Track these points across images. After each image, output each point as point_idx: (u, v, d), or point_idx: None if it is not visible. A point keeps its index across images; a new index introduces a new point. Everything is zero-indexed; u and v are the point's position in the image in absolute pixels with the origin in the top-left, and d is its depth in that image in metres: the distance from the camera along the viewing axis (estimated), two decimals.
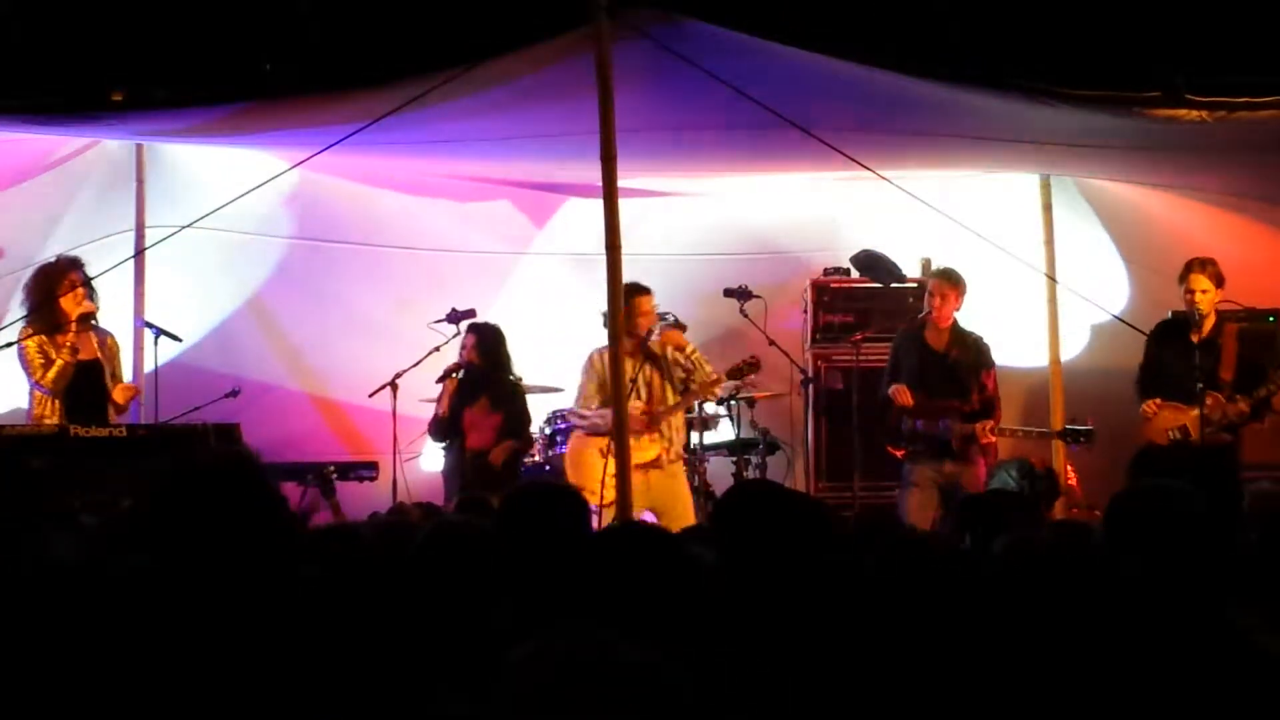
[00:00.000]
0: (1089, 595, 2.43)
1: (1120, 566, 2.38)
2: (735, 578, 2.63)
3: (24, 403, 8.19)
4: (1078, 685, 2.31)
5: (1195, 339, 8.34)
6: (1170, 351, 8.33)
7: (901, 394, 8.68)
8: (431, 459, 9.83)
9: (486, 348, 9.21)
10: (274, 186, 7.85)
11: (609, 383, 8.57)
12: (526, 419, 9.40)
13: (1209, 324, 8.37)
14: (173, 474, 2.54)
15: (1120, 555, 3.18)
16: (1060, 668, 2.39)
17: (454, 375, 9.22)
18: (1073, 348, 10.02)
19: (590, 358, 8.93)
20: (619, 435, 6.84)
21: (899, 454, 8.76)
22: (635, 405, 8.69)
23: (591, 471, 8.47)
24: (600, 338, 8.32)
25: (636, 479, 8.12)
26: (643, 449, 8.61)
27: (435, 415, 9.29)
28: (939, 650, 2.15)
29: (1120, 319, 8.73)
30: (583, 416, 8.87)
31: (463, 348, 9.26)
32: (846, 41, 7.13)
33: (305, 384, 10.22)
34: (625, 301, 8.59)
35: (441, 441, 9.35)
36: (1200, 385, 8.11)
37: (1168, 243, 9.58)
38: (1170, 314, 8.70)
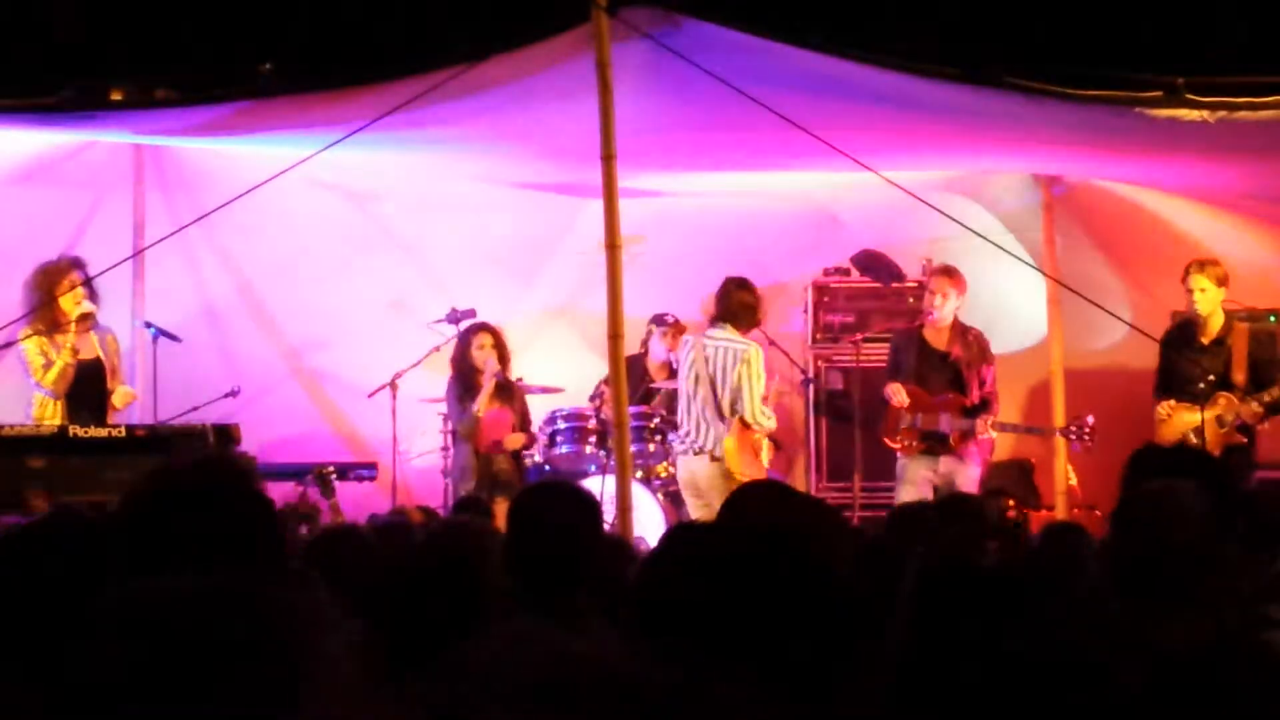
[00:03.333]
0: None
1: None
2: (741, 578, 2.61)
3: (24, 403, 8.18)
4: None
5: (1203, 340, 8.35)
6: (1180, 354, 8.34)
7: (897, 393, 8.69)
8: (431, 458, 9.81)
9: (503, 345, 9.19)
10: (273, 186, 7.83)
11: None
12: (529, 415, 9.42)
13: (1218, 324, 8.38)
14: (158, 475, 2.52)
15: (1124, 554, 3.18)
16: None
17: (497, 379, 9.13)
18: (1074, 348, 10.00)
19: (754, 354, 8.50)
20: (619, 435, 6.84)
21: (896, 447, 8.76)
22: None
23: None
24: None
25: None
26: None
27: (473, 416, 9.11)
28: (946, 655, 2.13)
29: (1121, 319, 8.72)
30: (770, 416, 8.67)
31: (479, 347, 9.13)
32: (847, 40, 7.13)
33: (305, 384, 10.21)
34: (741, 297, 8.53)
35: (471, 444, 9.21)
36: (1203, 386, 8.12)
37: (1168, 242, 9.59)
38: (1172, 314, 8.70)
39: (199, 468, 2.64)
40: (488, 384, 9.04)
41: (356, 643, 1.62)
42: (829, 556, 2.40)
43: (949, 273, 8.84)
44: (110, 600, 1.57)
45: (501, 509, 7.75)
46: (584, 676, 1.64)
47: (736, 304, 8.49)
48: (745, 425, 8.44)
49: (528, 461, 9.38)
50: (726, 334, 8.47)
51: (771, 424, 8.60)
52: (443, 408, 9.50)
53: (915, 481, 8.61)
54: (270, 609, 1.57)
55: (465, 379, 9.13)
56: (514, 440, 9.17)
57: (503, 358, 9.15)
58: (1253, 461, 8.22)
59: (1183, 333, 8.47)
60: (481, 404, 9.04)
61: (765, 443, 8.79)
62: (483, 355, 9.06)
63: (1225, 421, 8.19)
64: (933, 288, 8.88)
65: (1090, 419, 8.67)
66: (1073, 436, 8.79)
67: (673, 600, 2.32)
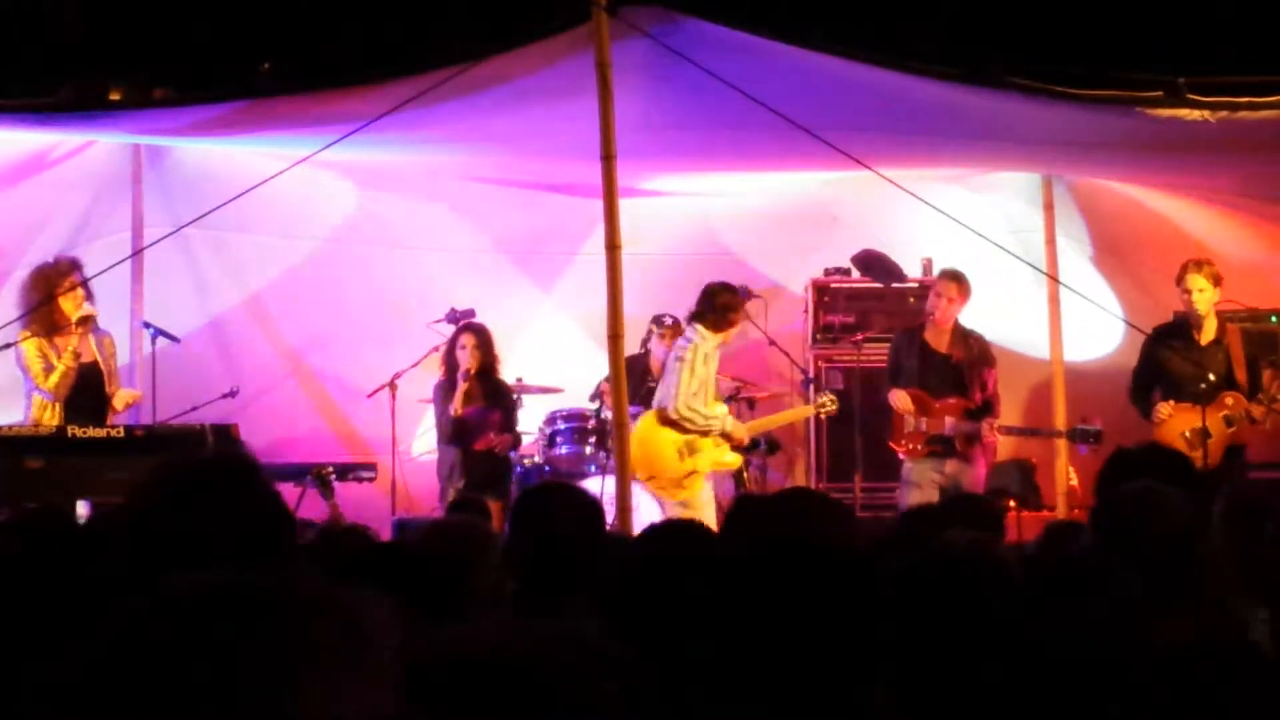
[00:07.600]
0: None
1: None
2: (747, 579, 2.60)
3: (23, 402, 8.17)
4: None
5: (1200, 340, 8.34)
6: (1174, 354, 8.32)
7: (901, 399, 8.67)
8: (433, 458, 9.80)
9: (487, 346, 9.20)
10: (272, 186, 7.82)
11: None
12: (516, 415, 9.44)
13: (1213, 325, 8.36)
14: (166, 470, 2.48)
15: (1109, 556, 3.17)
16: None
17: (467, 378, 9.16)
18: (1075, 348, 9.99)
19: (692, 350, 8.51)
20: (618, 434, 6.83)
21: (901, 451, 8.74)
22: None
23: None
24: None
25: None
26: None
27: (452, 417, 9.15)
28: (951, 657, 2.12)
29: (1122, 319, 8.72)
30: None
31: (461, 347, 9.18)
32: (847, 40, 7.13)
33: (304, 384, 10.20)
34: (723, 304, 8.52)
35: (456, 444, 9.24)
36: (1204, 386, 8.11)
37: (1169, 242, 9.57)
38: (1174, 315, 8.69)
39: (208, 464, 2.60)
40: (460, 384, 9.09)
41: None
42: (836, 559, 2.38)
43: (955, 277, 8.81)
44: (120, 599, 1.55)
45: (491, 509, 7.77)
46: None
47: (705, 304, 8.53)
48: (668, 419, 8.49)
49: (527, 462, 9.37)
50: (690, 332, 8.57)
51: (702, 420, 8.47)
52: None
53: (921, 484, 8.58)
54: (280, 606, 1.55)
55: (451, 379, 9.18)
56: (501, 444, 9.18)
57: (488, 358, 9.16)
58: (1247, 462, 8.22)
59: (1176, 332, 8.44)
60: (456, 404, 9.07)
61: (710, 445, 8.58)
62: (464, 355, 9.11)
63: (1234, 420, 8.18)
64: (938, 290, 8.86)
65: (1098, 423, 8.64)
66: (1077, 440, 8.77)
67: (654, 599, 2.31)
